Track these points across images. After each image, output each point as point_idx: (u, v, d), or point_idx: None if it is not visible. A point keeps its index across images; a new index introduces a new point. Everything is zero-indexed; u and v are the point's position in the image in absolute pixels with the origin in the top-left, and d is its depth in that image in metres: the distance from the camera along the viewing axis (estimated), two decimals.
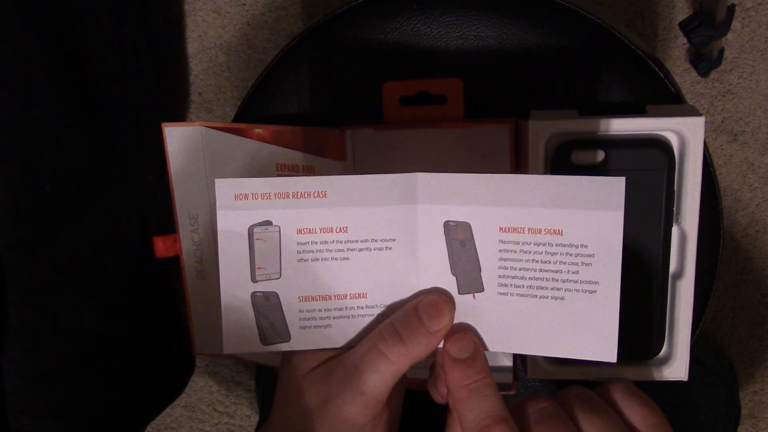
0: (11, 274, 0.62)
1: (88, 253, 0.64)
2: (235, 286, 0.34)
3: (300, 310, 0.34)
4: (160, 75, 0.71)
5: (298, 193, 0.32)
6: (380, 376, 0.32)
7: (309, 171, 0.48)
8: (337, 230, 0.33)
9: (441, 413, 0.35)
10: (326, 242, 0.33)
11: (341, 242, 0.33)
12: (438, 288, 0.33)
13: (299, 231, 0.33)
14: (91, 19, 0.62)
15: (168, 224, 0.55)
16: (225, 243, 0.33)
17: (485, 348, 0.33)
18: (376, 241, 0.33)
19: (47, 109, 0.59)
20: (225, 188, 0.33)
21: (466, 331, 0.33)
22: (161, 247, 0.55)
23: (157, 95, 0.70)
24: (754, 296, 0.75)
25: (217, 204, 0.33)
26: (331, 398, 0.33)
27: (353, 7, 0.49)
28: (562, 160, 0.43)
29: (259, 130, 0.49)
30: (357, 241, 0.33)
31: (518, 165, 0.46)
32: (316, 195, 0.32)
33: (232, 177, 0.51)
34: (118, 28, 0.64)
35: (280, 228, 0.33)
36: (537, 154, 0.43)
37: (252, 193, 0.33)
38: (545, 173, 0.44)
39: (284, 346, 0.34)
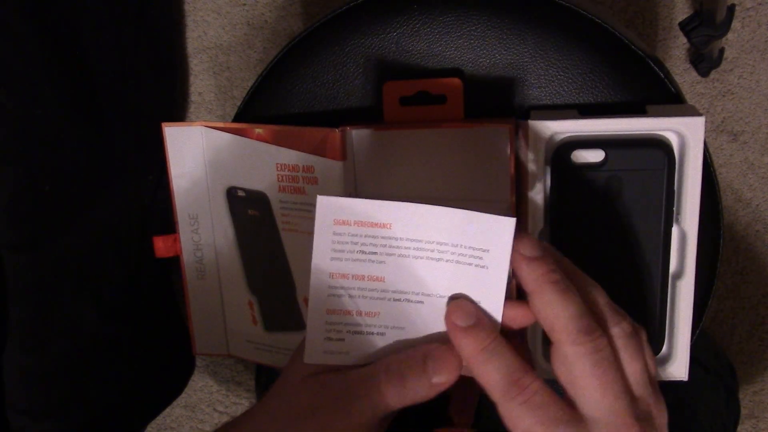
0: (11, 274, 0.62)
1: (88, 253, 0.64)
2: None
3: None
4: (160, 75, 0.71)
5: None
6: (371, 408, 0.33)
7: (309, 171, 0.48)
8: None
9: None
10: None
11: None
12: (428, 339, 0.34)
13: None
14: (91, 19, 0.62)
15: (168, 224, 0.55)
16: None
17: None
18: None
19: (47, 109, 0.59)
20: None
21: (462, 300, 0.33)
22: (161, 247, 0.55)
23: (157, 95, 0.70)
24: (754, 296, 0.75)
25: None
26: (320, 409, 0.33)
27: (353, 7, 0.49)
28: (562, 160, 0.43)
29: (259, 130, 0.49)
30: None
31: (518, 165, 0.46)
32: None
33: (231, 177, 0.51)
34: (118, 28, 0.64)
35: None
36: (537, 154, 0.43)
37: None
38: (545, 173, 0.44)
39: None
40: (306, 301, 0.52)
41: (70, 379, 0.64)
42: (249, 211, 0.52)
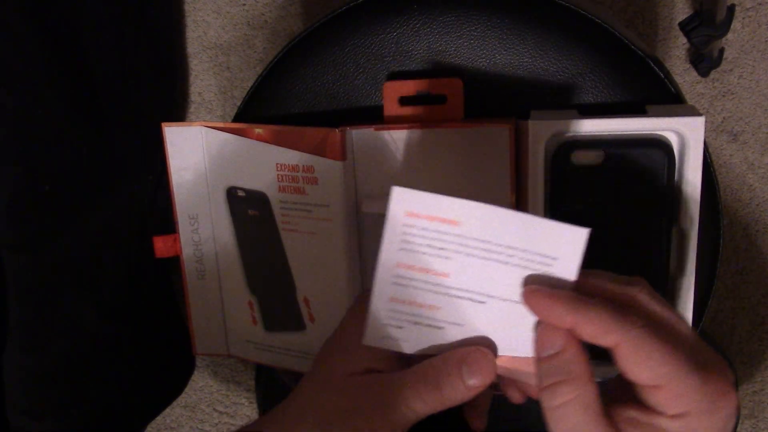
0: (11, 274, 0.62)
1: (88, 253, 0.64)
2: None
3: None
4: (160, 75, 0.71)
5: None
6: (411, 414, 0.34)
7: (309, 171, 0.48)
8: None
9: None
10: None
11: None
12: (485, 339, 0.34)
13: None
14: (91, 19, 0.62)
15: (168, 224, 0.55)
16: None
17: None
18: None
19: (47, 109, 0.59)
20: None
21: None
22: (161, 247, 0.55)
23: (157, 95, 0.70)
24: (754, 296, 0.75)
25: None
26: (359, 412, 0.34)
27: (353, 7, 0.49)
28: (562, 160, 0.43)
29: (259, 130, 0.49)
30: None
31: (518, 165, 0.46)
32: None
33: (231, 177, 0.51)
34: (118, 28, 0.64)
35: None
36: (537, 154, 0.43)
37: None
38: (545, 173, 0.44)
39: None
40: (306, 301, 0.52)
41: (70, 379, 0.64)
42: (249, 211, 0.52)
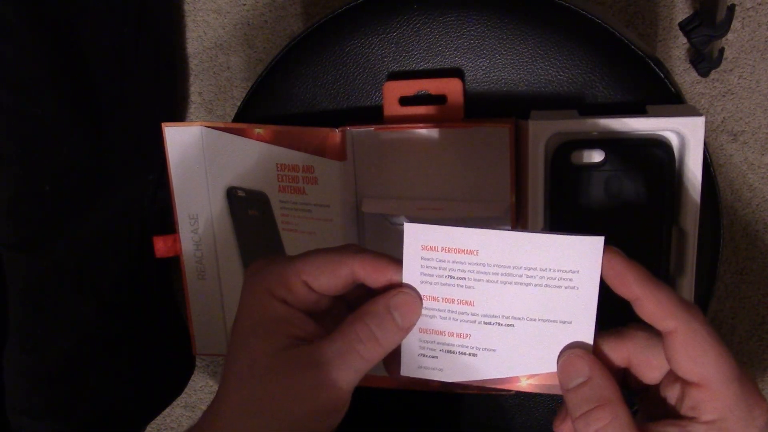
0: (11, 273, 0.62)
1: (88, 253, 0.64)
2: None
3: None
4: (160, 75, 0.71)
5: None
6: (356, 374, 0.33)
7: (309, 171, 0.48)
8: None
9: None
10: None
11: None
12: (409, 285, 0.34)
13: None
14: (91, 19, 0.62)
15: (168, 224, 0.55)
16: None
17: None
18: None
19: (47, 108, 0.59)
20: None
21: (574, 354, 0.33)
22: (161, 247, 0.55)
23: (157, 95, 0.70)
24: (754, 296, 0.75)
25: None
26: (302, 389, 0.33)
27: (353, 7, 0.49)
28: (562, 160, 0.43)
29: (259, 130, 0.49)
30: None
31: (518, 165, 0.46)
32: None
33: (231, 177, 0.51)
34: (118, 28, 0.64)
35: None
36: (537, 154, 0.43)
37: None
38: (545, 173, 0.44)
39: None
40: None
41: (70, 378, 0.64)
42: (249, 211, 0.52)
